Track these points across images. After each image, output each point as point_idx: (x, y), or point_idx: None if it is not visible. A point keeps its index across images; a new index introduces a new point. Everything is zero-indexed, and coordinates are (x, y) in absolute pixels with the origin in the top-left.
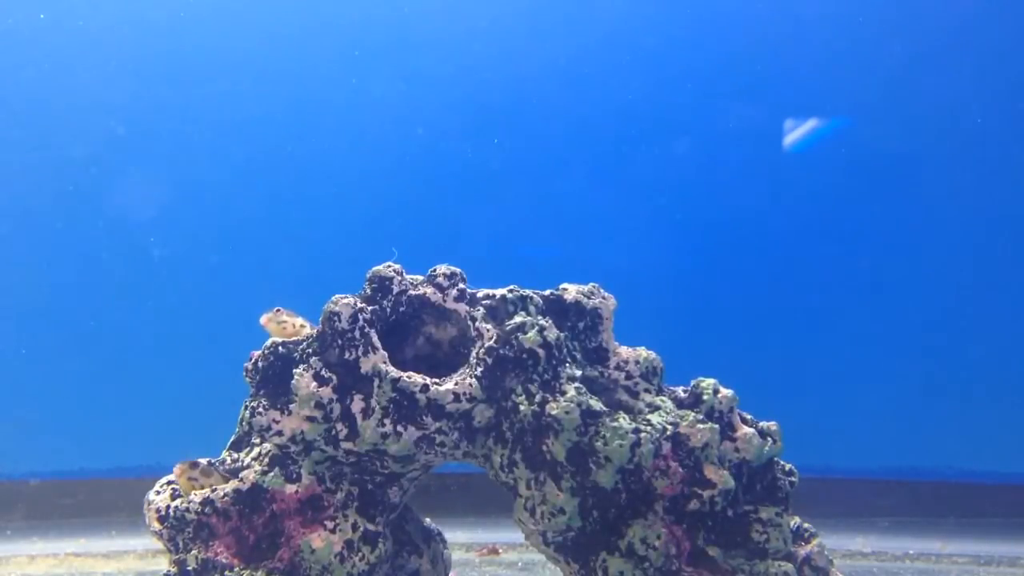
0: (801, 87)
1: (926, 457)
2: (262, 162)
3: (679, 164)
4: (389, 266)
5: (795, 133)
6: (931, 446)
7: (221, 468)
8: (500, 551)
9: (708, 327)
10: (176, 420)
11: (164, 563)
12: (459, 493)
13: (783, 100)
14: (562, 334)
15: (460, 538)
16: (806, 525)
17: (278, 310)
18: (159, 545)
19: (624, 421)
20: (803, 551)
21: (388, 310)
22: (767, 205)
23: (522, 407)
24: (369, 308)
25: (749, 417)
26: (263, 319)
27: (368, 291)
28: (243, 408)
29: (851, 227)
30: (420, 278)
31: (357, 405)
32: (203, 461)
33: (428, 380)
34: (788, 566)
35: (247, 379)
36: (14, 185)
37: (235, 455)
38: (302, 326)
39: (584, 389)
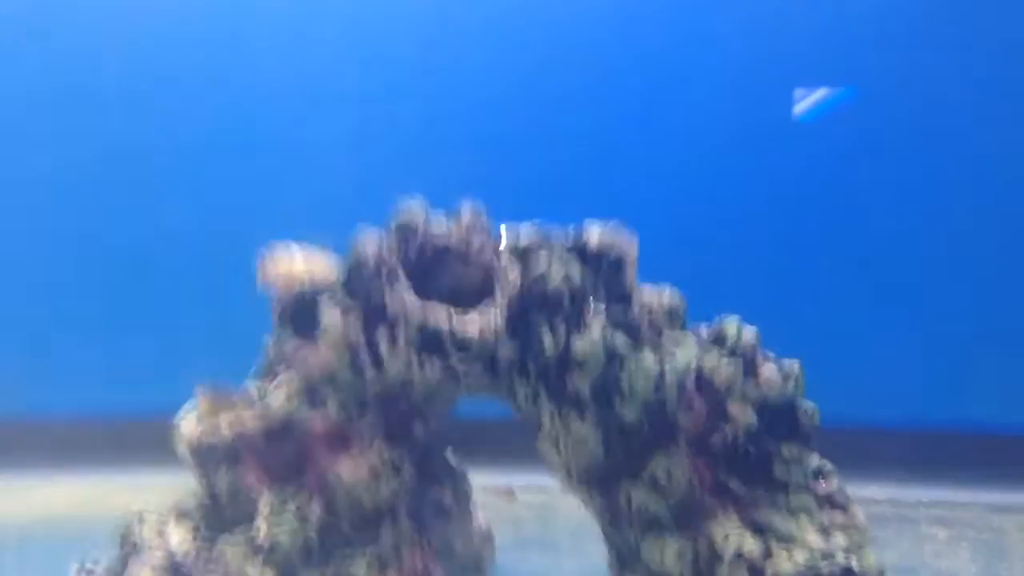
0: (811, 57)
1: (942, 408)
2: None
3: (690, 135)
4: (413, 206)
5: (805, 102)
6: (947, 396)
7: (247, 399)
8: (516, 493)
9: (723, 271)
10: (202, 358)
11: (191, 495)
12: (477, 438)
13: (794, 71)
14: (586, 273)
15: (477, 481)
16: (827, 463)
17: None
18: (186, 480)
19: (649, 357)
20: (822, 487)
21: (413, 251)
22: (778, 168)
23: (546, 342)
24: (396, 246)
25: (772, 355)
26: (267, 275)
27: (393, 230)
28: (268, 340)
29: (867, 186)
30: (444, 219)
31: (383, 339)
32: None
33: (453, 314)
34: (808, 499)
35: (273, 315)
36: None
37: (260, 385)
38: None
39: (608, 326)
